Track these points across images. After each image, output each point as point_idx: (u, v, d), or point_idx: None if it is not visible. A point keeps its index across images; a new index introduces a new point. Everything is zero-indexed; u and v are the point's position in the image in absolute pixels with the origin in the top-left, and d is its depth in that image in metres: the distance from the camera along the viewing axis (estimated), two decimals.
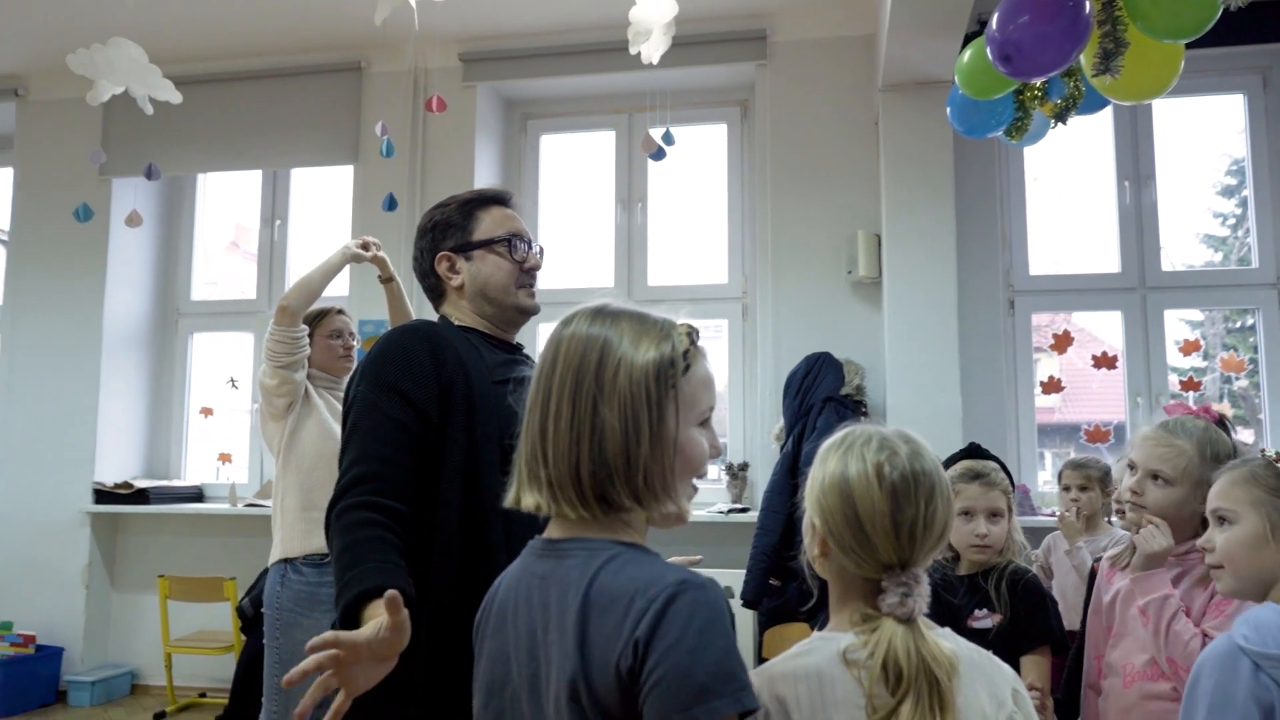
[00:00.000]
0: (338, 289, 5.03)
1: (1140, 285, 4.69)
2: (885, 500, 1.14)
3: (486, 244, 1.84)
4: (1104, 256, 4.81)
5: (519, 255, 1.85)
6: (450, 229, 1.85)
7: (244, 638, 4.48)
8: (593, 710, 1.02)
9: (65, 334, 5.34)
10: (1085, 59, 2.35)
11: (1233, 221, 8.17)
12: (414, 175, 5.03)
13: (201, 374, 5.71)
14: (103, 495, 5.17)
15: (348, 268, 3.24)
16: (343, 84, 5.16)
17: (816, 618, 4.00)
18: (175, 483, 5.40)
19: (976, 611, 2.16)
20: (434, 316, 1.87)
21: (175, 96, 3.52)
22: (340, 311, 3.22)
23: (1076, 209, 4.94)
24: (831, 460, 1.20)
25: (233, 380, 5.51)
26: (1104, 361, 4.63)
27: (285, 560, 2.88)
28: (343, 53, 5.17)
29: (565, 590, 1.08)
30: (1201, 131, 4.95)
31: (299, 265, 5.55)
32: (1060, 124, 2.75)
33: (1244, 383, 5.04)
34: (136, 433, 5.51)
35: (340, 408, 3.03)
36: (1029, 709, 1.19)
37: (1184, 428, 1.82)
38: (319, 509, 2.86)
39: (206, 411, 5.53)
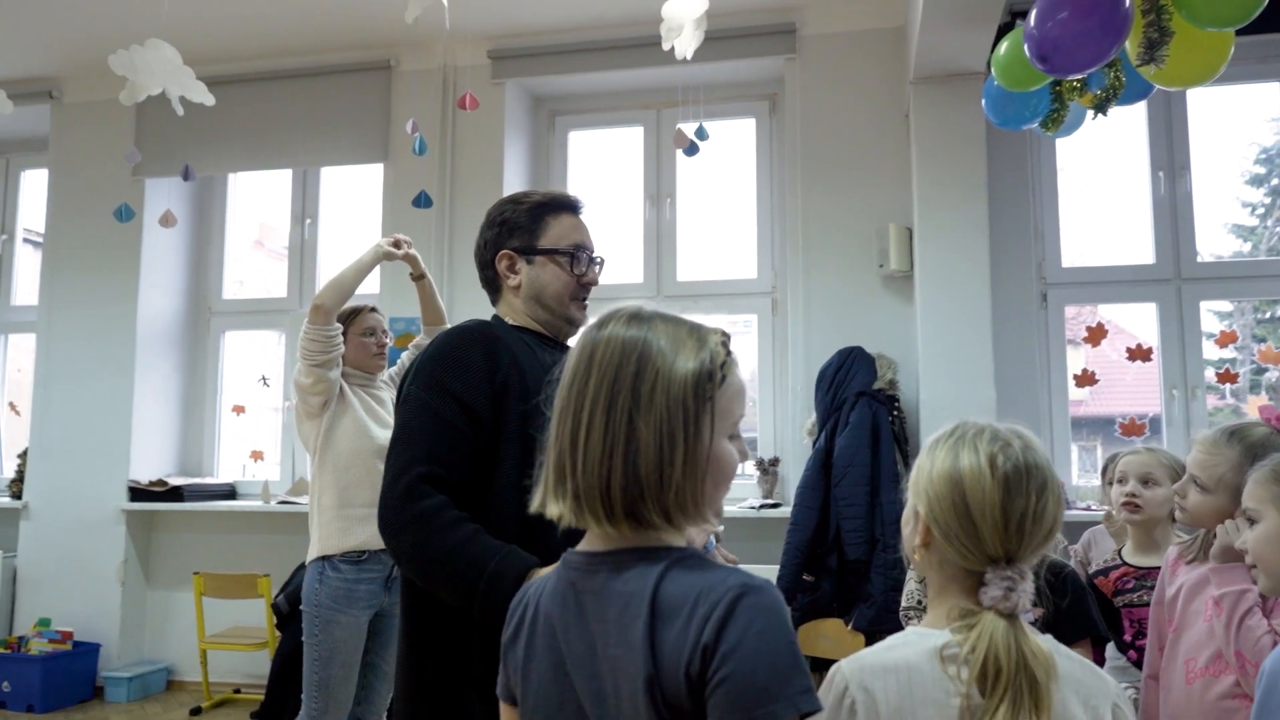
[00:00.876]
0: (369, 287, 5.07)
1: (1175, 276, 4.63)
2: (997, 490, 1.14)
3: (550, 252, 1.84)
4: (1138, 248, 4.76)
5: (579, 269, 1.85)
6: (517, 229, 1.85)
7: (279, 634, 4.52)
8: (670, 718, 1.01)
9: (100, 333, 5.40)
10: (1130, 48, 2.32)
11: (1261, 211, 8.09)
12: (444, 173, 5.05)
13: (233, 372, 5.75)
14: (137, 493, 5.22)
15: (379, 265, 3.26)
16: (372, 82, 5.18)
17: (851, 614, 4.00)
18: (208, 480, 5.45)
19: None
20: (479, 306, 1.87)
21: (208, 98, 3.55)
22: (373, 309, 3.25)
23: (1109, 200, 4.90)
24: (941, 451, 1.20)
25: (264, 378, 5.55)
26: (1139, 354, 4.59)
27: (323, 558, 2.91)
28: (372, 51, 5.19)
29: (627, 602, 1.05)
30: (1233, 120, 4.88)
31: (329, 264, 5.59)
32: (1101, 115, 2.72)
33: (1272, 374, 4.98)
34: (170, 431, 5.56)
35: (375, 405, 3.07)
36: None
37: (1239, 435, 1.80)
38: (356, 506, 2.90)
39: (238, 409, 5.58)
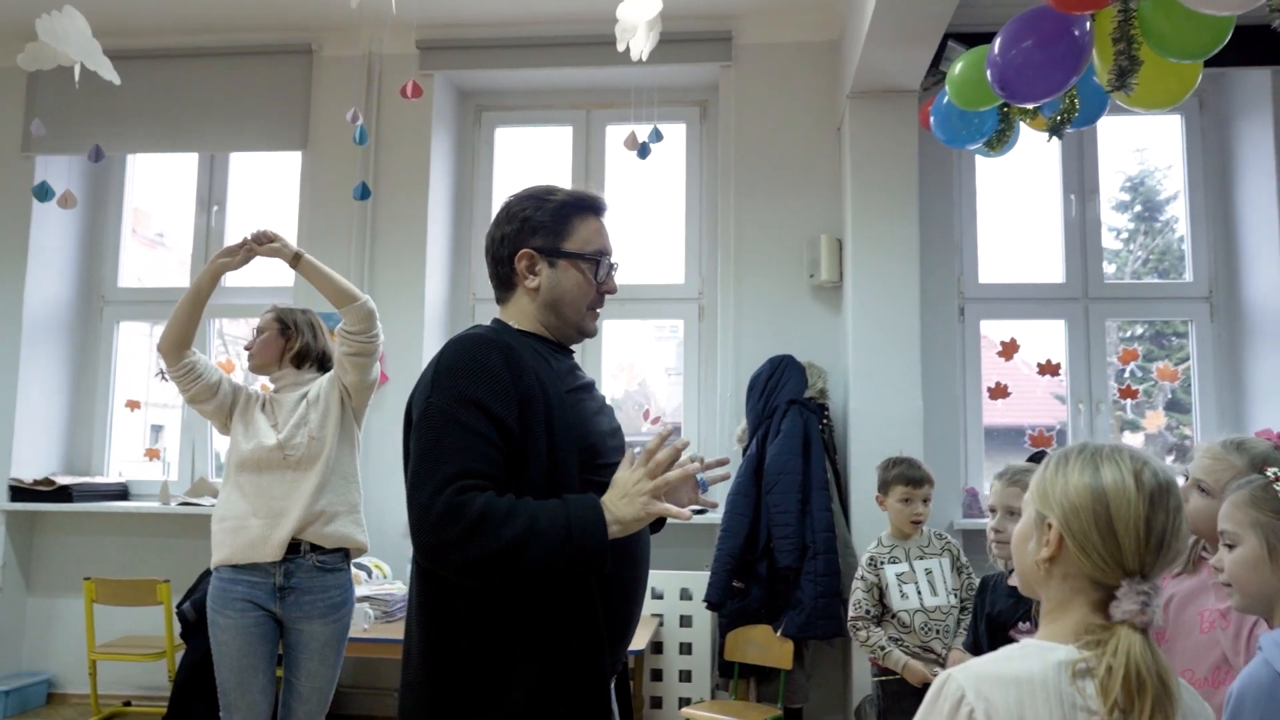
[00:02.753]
0: (284, 281, 4.85)
1: (1083, 296, 4.85)
2: (1143, 505, 1.15)
3: (575, 256, 1.77)
4: (1049, 267, 4.96)
5: (600, 277, 1.79)
6: (541, 227, 1.76)
7: (179, 643, 4.27)
8: None
9: None
10: (1101, 74, 2.41)
11: (1125, 235, 8.62)
12: (367, 164, 4.87)
13: (128, 365, 5.41)
14: (20, 492, 4.86)
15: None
16: (292, 66, 4.96)
17: (780, 620, 4.03)
18: (99, 479, 5.11)
19: (1020, 624, 2.18)
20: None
21: (114, 77, 3.33)
22: (269, 310, 3.19)
23: (1024, 220, 5.08)
24: (1075, 466, 1.20)
25: (162, 372, 5.23)
26: (1048, 369, 4.79)
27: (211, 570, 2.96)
28: (292, 34, 4.97)
29: None
30: (1109, 150, 5.12)
31: None
32: (1056, 137, 2.81)
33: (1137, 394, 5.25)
34: (57, 426, 5.19)
35: (258, 413, 2.98)
36: None
37: (1244, 446, 1.87)
38: (228, 519, 2.92)
39: (133, 405, 5.26)
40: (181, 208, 5.43)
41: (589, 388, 1.80)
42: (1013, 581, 2.34)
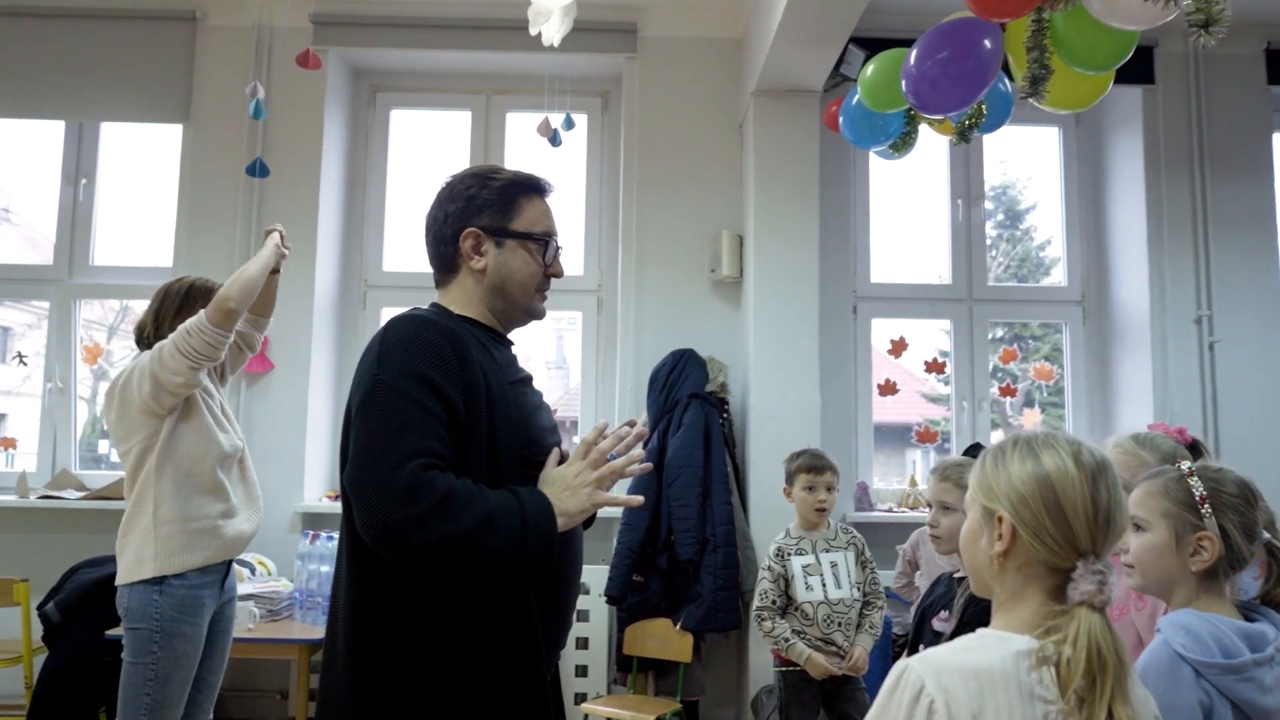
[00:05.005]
0: (163, 261, 4.58)
1: (968, 297, 5.04)
2: (1087, 484, 1.19)
3: (523, 237, 1.71)
4: (937, 268, 5.14)
5: (548, 258, 1.74)
6: (487, 206, 1.70)
7: (39, 646, 3.98)
8: None
9: None
10: (1016, 79, 2.49)
11: (989, 242, 9.08)
12: (254, 140, 4.63)
13: None
14: None
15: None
16: (173, 33, 4.67)
17: (679, 614, 4.05)
18: None
19: (942, 612, 2.23)
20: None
21: None
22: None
23: (914, 222, 5.25)
24: (1015, 458, 1.23)
25: (20, 356, 4.88)
26: (934, 367, 4.96)
27: (160, 578, 2.60)
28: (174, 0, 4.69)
29: None
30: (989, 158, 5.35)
31: (107, 229, 4.99)
32: (964, 142, 2.90)
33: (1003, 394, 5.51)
34: None
35: (217, 408, 2.77)
36: None
37: (1153, 443, 1.96)
38: (200, 518, 2.66)
39: None
40: (39, 180, 5.04)
41: (528, 381, 1.76)
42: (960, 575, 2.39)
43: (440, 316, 1.65)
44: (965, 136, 2.86)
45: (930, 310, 5.08)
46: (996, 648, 1.16)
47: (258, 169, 3.40)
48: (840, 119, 3.40)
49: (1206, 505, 1.56)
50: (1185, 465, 1.63)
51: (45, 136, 5.01)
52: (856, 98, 3.24)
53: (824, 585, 3.25)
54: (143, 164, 5.01)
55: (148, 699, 2.56)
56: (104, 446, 5.21)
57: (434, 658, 1.52)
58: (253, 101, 3.23)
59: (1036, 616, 1.17)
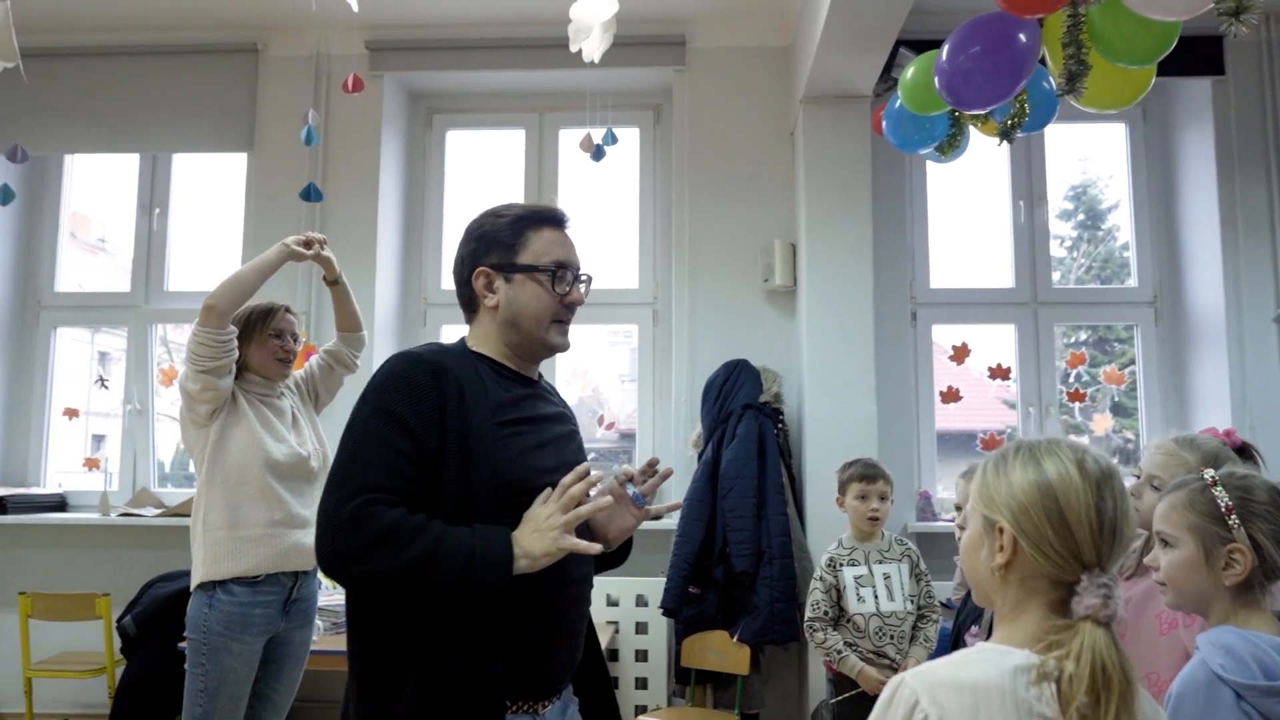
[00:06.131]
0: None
1: (1033, 300, 4.91)
2: (1091, 493, 1.13)
3: (529, 269, 1.72)
4: (999, 272, 5.02)
5: (561, 288, 1.73)
6: (497, 244, 1.73)
7: (120, 659, 4.14)
8: None
9: None
10: (1053, 75, 2.43)
11: (1069, 244, 8.80)
12: (316, 166, 4.78)
13: (65, 372, 5.25)
14: None
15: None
16: (237, 66, 4.85)
17: (736, 626, 4.02)
18: (35, 490, 4.94)
19: (973, 627, 2.18)
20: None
21: (1, 68, 3.20)
22: (288, 310, 2.96)
23: (974, 225, 5.14)
24: (1017, 467, 1.18)
25: (102, 379, 5.10)
26: (999, 373, 4.84)
27: (211, 584, 2.66)
28: (238, 33, 4.86)
29: None
30: (1065, 156, 5.21)
31: (179, 257, 5.19)
32: (1007, 141, 2.83)
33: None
34: None
35: (272, 416, 2.83)
36: None
37: (1195, 443, 1.88)
38: (249, 526, 2.68)
39: (71, 413, 5.09)
40: (122, 211, 5.28)
41: (537, 420, 1.72)
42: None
43: (436, 352, 1.66)
44: (1008, 136, 2.80)
45: (993, 315, 4.96)
46: (995, 662, 1.12)
47: (311, 193, 3.49)
48: (884, 123, 3.36)
49: (1233, 516, 1.48)
50: (1209, 474, 1.55)
51: (125, 170, 5.25)
52: (899, 101, 3.20)
53: (876, 597, 3.19)
54: (212, 192, 5.20)
55: (200, 710, 2.64)
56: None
57: (378, 689, 1.55)
58: (304, 128, 3.33)
59: (1039, 631, 1.13)
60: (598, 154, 3.66)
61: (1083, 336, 8.91)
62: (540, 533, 1.55)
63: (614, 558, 1.83)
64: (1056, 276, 5.12)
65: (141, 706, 3.81)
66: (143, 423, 5.01)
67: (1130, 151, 5.00)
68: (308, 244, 2.90)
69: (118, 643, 4.15)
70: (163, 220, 5.18)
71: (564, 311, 1.75)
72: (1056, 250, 8.49)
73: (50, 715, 4.63)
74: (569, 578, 1.67)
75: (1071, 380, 4.94)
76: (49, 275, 5.21)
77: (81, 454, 5.13)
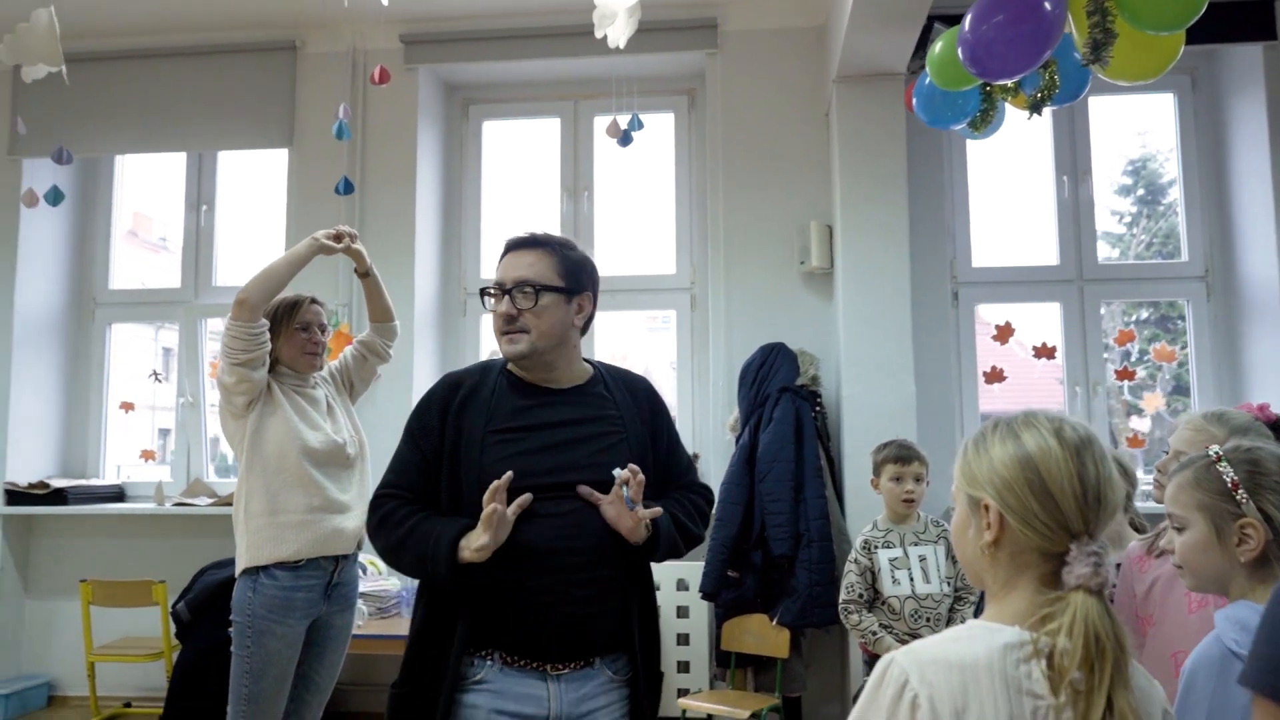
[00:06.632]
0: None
1: (1078, 277, 4.81)
2: (1071, 461, 1.13)
3: (482, 294, 2.00)
4: (1043, 249, 4.92)
5: (489, 307, 1.98)
6: None
7: (176, 643, 4.27)
8: None
9: None
10: (1077, 45, 2.37)
11: (1129, 219, 8.54)
12: (354, 160, 4.85)
13: (121, 367, 5.41)
14: (15, 496, 4.86)
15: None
16: (276, 64, 4.94)
17: (775, 609, 4.01)
18: (94, 482, 5.11)
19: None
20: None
21: (44, 72, 3.29)
22: (314, 301, 2.98)
23: (1016, 202, 5.05)
24: (996, 443, 1.18)
25: (156, 374, 5.24)
26: (1044, 352, 4.75)
27: (255, 569, 2.73)
28: (276, 31, 4.95)
29: None
30: (1109, 132, 5.08)
31: (227, 253, 5.31)
32: (1036, 115, 2.77)
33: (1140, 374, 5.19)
34: (51, 429, 5.18)
35: (306, 406, 2.89)
36: None
37: (1224, 418, 1.84)
38: (288, 512, 2.74)
39: (127, 406, 5.25)
40: (174, 208, 5.42)
41: (540, 427, 1.89)
42: None
43: (472, 371, 2.00)
44: (1038, 109, 2.74)
45: (1038, 293, 4.86)
46: (984, 640, 1.11)
47: (343, 187, 3.55)
48: (914, 100, 3.31)
49: (1240, 491, 1.44)
50: (1214, 450, 1.51)
51: (177, 169, 5.38)
52: (929, 78, 3.15)
53: (911, 579, 3.17)
54: (256, 188, 5.31)
55: (245, 690, 2.71)
56: None
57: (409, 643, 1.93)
58: (336, 123, 3.38)
59: (1029, 606, 1.12)
60: (625, 139, 3.66)
61: (1144, 315, 8.67)
62: (478, 530, 1.77)
63: (649, 552, 1.90)
64: (1115, 253, 4.99)
65: (195, 689, 3.92)
66: (195, 415, 5.15)
67: (1179, 121, 4.86)
68: (337, 237, 2.93)
69: (173, 628, 4.28)
70: (210, 217, 5.30)
71: (499, 322, 1.93)
72: (1115, 226, 8.28)
73: (113, 698, 4.79)
74: (543, 550, 1.81)
75: (1132, 358, 4.82)
76: (103, 273, 5.37)
77: (140, 446, 5.28)
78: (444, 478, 1.87)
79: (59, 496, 4.82)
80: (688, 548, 2.00)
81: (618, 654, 1.90)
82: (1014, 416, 1.20)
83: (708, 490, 2.14)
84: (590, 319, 2.03)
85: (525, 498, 1.79)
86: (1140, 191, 8.13)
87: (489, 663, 1.81)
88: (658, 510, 1.85)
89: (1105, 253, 7.22)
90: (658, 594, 4.28)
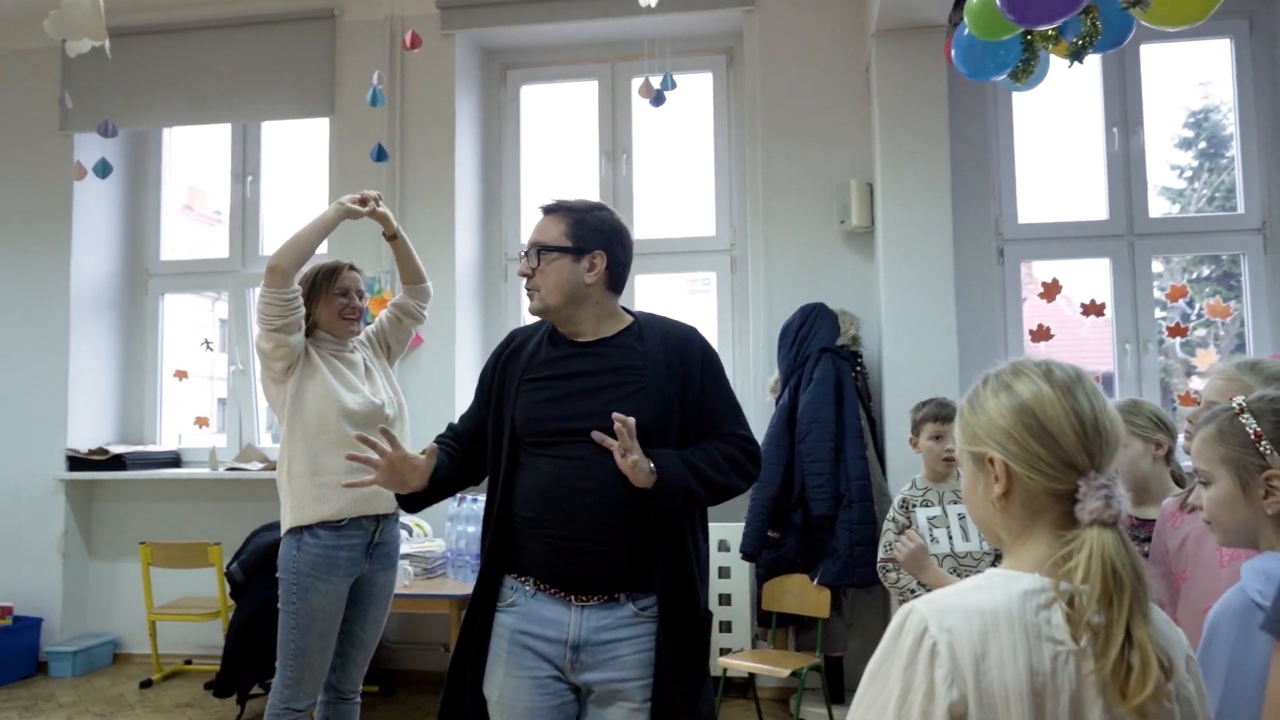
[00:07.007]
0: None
1: (1128, 232, 4.69)
2: (1064, 399, 1.13)
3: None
4: (1091, 203, 4.80)
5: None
6: None
7: (231, 603, 4.40)
8: None
9: (31, 296, 5.16)
10: None
11: (1189, 174, 8.25)
12: (394, 127, 4.88)
13: (174, 336, 5.54)
14: (76, 462, 5.03)
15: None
16: (315, 32, 4.97)
17: (816, 569, 4.02)
18: (151, 448, 5.26)
19: None
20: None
21: (88, 46, 3.33)
22: (352, 267, 3.01)
23: (1064, 156, 4.92)
24: (989, 397, 1.18)
25: (207, 342, 5.36)
26: (1093, 309, 4.65)
27: (299, 528, 2.80)
28: (314, 0, 4.98)
29: None
30: (1168, 82, 4.92)
31: (273, 222, 5.39)
32: (1077, 63, 2.69)
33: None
34: (109, 397, 5.35)
35: (344, 369, 2.94)
36: (1200, 680, 1.16)
37: (1257, 367, 1.79)
38: (328, 473, 2.79)
39: (181, 375, 5.39)
40: (223, 181, 5.51)
41: (566, 377, 2.05)
42: None
43: (529, 327, 2.21)
44: (1079, 56, 2.66)
45: (1086, 249, 4.75)
46: (1002, 587, 1.10)
47: (377, 153, 3.57)
48: (953, 51, 3.23)
49: (1264, 442, 1.40)
50: (1237, 401, 1.47)
51: (221, 140, 5.47)
52: (968, 28, 3.07)
53: (950, 538, 3.14)
54: (299, 158, 5.37)
55: (293, 645, 2.79)
56: None
57: None
58: (370, 90, 3.40)
59: (1048, 550, 1.11)
60: (658, 99, 3.63)
61: (1205, 272, 8.40)
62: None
63: (652, 497, 1.96)
64: (1175, 209, 4.85)
65: (250, 646, 4.04)
66: (245, 383, 5.26)
67: (1235, 66, 4.69)
68: (363, 201, 2.95)
69: (228, 588, 4.41)
70: (255, 187, 5.38)
71: (527, 282, 2.11)
72: (1175, 181, 8.02)
73: (175, 655, 4.96)
74: (562, 492, 1.98)
75: (1192, 317, 4.69)
76: (154, 245, 5.49)
77: (195, 414, 5.42)
78: (490, 419, 2.11)
79: (118, 462, 4.98)
80: (716, 498, 2.03)
81: (647, 593, 1.98)
82: (1001, 369, 1.20)
83: (747, 441, 2.12)
84: (617, 276, 2.10)
85: (431, 447, 2.10)
86: (1202, 145, 7.85)
87: (525, 587, 2.02)
88: (637, 459, 1.88)
89: (1164, 209, 7.02)
90: None
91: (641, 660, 1.96)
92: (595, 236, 2.07)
